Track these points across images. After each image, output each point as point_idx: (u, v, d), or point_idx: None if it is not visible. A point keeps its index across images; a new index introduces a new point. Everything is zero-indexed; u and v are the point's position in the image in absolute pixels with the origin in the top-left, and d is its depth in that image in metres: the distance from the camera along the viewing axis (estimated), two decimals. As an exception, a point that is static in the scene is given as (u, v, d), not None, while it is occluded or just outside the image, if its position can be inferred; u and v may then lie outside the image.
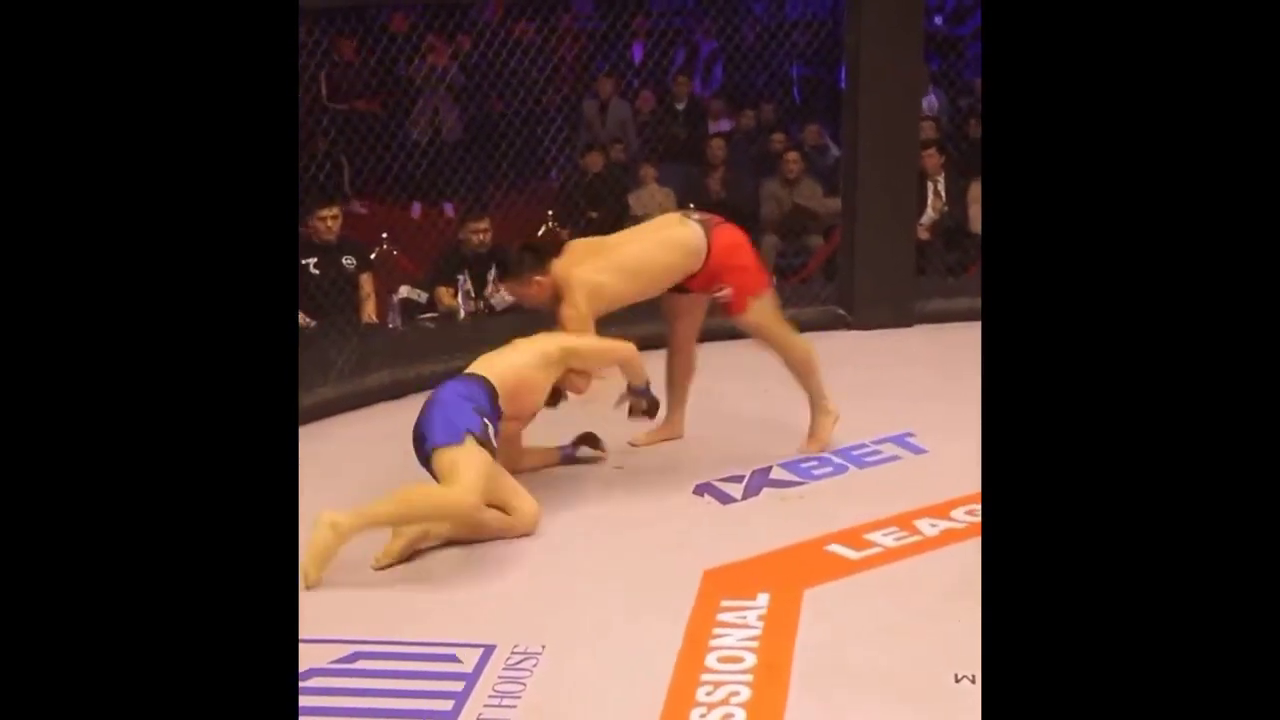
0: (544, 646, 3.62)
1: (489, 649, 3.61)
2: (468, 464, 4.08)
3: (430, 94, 7.87)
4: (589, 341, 4.66)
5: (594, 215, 7.63)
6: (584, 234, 7.22)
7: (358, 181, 7.72)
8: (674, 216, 5.06)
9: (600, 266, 4.78)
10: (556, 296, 4.77)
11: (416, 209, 7.83)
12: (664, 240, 4.87)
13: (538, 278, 4.78)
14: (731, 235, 4.93)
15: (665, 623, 3.73)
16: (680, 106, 9.31)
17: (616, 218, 7.52)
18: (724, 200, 8.49)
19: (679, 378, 5.24)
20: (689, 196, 8.35)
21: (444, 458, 4.11)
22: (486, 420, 4.22)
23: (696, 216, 5.01)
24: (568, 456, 4.99)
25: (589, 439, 5.03)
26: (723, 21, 7.25)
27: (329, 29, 7.17)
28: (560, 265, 4.79)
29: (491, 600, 3.95)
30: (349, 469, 4.94)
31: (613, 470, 4.96)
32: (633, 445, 5.15)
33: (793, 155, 8.49)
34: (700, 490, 4.76)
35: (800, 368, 5.06)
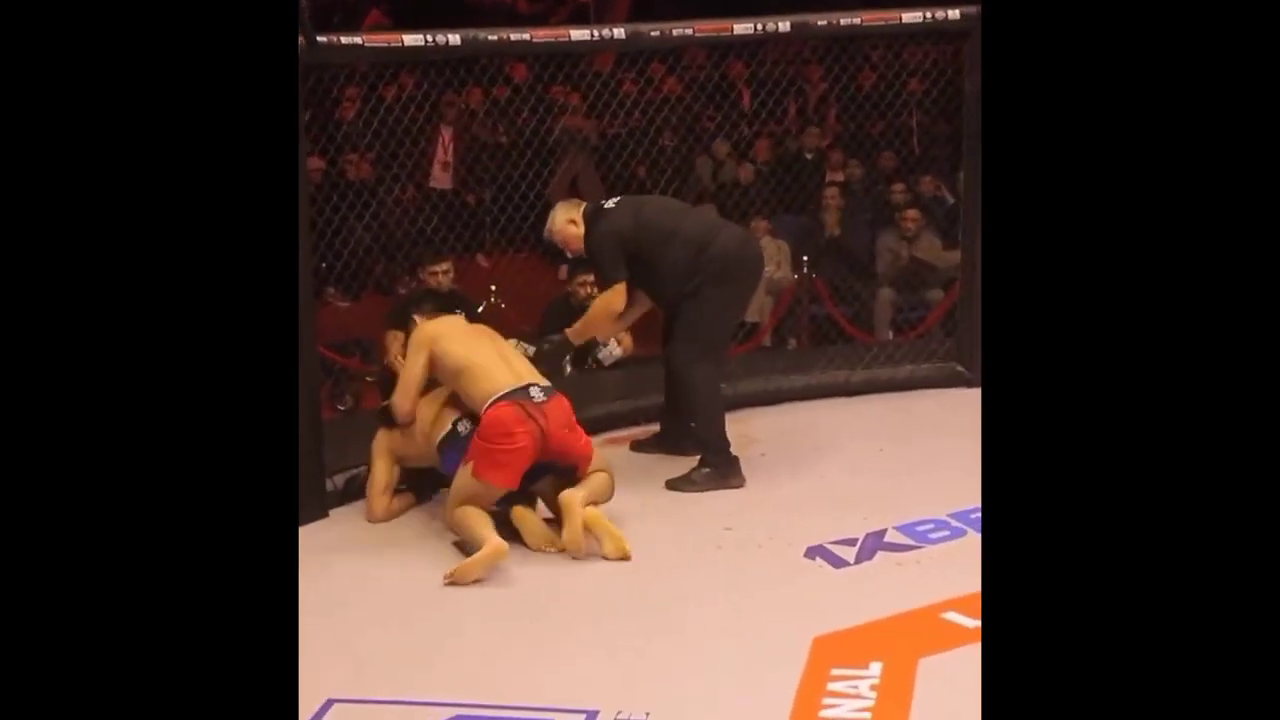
0: (648, 714, 3.53)
1: (592, 714, 3.53)
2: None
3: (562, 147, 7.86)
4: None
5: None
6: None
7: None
8: None
9: None
10: None
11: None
12: None
13: None
14: None
15: (774, 691, 3.62)
16: (810, 157, 9.14)
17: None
18: (839, 252, 8.36)
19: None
20: (805, 249, 8.22)
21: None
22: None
23: None
24: None
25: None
26: (838, 69, 7.10)
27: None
28: None
29: (596, 664, 3.86)
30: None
31: (722, 532, 4.83)
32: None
33: (912, 213, 8.34)
34: (811, 553, 4.61)
35: None
